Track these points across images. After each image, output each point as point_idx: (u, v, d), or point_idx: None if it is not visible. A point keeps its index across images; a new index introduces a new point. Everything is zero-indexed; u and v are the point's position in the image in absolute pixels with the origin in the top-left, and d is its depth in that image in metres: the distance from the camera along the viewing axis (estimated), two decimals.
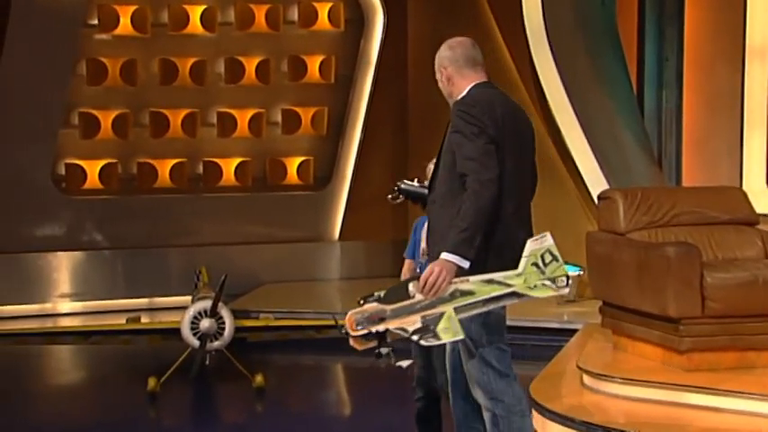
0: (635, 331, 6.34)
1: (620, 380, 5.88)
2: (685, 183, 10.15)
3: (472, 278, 4.25)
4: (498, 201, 4.36)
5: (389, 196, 5.22)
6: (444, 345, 4.66)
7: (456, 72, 4.66)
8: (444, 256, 4.23)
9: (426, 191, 4.78)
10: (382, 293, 4.35)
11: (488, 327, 4.50)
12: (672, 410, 5.56)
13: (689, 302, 5.89)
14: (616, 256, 6.40)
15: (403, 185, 5.20)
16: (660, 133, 10.32)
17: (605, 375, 5.97)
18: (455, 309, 4.26)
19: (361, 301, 4.35)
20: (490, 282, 4.29)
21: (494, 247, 4.40)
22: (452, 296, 4.25)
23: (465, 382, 4.60)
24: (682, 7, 10.22)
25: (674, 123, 10.29)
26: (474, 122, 4.38)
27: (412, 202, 5.24)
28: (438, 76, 4.71)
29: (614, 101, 10.01)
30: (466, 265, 4.23)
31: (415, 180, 5.23)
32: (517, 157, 4.50)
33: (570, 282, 4.42)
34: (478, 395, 4.54)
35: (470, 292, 4.27)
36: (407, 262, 5.40)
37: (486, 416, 4.57)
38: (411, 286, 4.30)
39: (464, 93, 4.58)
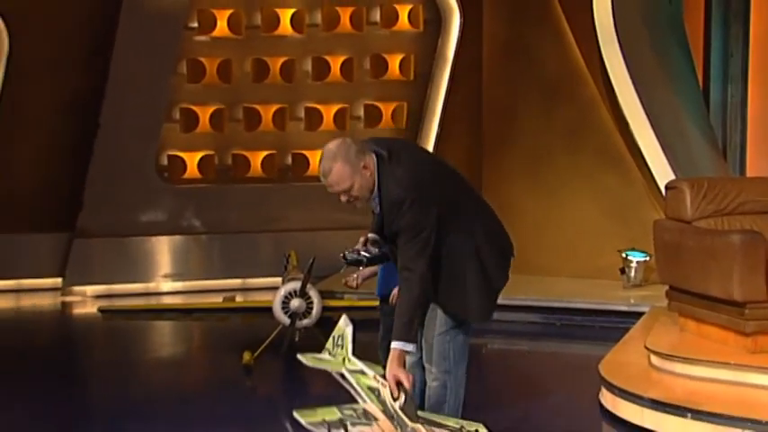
0: (701, 314, 6.28)
1: (685, 360, 5.82)
2: (749, 173, 10.00)
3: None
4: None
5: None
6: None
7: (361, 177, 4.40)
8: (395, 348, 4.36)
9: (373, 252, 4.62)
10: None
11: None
12: (736, 390, 5.52)
13: (754, 287, 5.83)
14: (683, 243, 6.35)
15: (358, 255, 4.65)
16: (725, 126, 10.18)
17: (672, 356, 5.92)
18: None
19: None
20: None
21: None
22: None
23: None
24: (748, 5, 10.07)
25: (738, 116, 10.15)
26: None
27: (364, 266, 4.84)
28: (357, 180, 4.37)
29: (680, 95, 9.87)
30: (411, 348, 4.40)
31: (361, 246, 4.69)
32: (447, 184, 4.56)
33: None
34: (435, 366, 4.58)
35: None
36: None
37: (435, 385, 4.60)
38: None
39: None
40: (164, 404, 6.44)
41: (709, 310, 6.16)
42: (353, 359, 4.55)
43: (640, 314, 7.79)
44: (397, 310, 4.42)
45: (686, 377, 5.74)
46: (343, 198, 4.42)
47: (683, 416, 5.23)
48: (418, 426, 4.25)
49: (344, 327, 4.63)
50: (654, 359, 6.02)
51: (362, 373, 4.49)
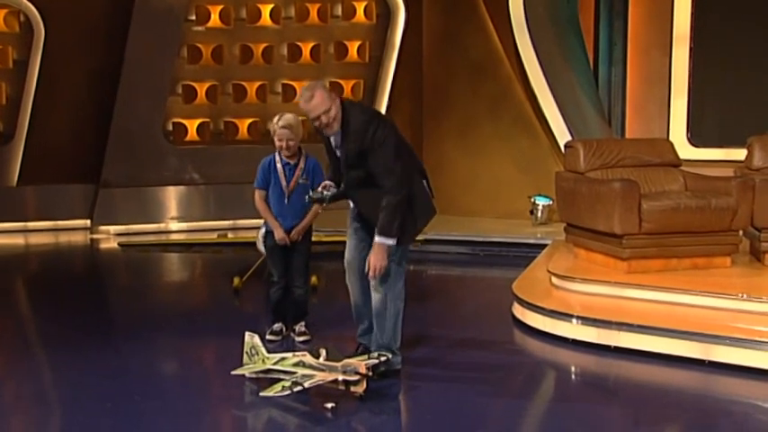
0: (590, 245, 6.36)
1: (578, 280, 5.90)
2: (628, 136, 10.08)
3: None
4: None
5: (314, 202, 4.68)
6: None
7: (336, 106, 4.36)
8: (378, 243, 4.33)
9: (332, 191, 4.56)
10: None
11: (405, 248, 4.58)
12: (616, 301, 5.60)
13: (630, 223, 5.90)
14: (577, 190, 6.39)
15: (321, 195, 4.58)
16: (610, 99, 10.24)
17: (568, 276, 5.99)
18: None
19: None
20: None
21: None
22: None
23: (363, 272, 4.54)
24: (626, 4, 10.11)
25: (620, 92, 10.22)
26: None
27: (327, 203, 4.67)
28: (333, 105, 4.31)
29: (576, 75, 9.91)
30: (391, 242, 4.33)
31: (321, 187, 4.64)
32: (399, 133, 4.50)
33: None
34: (378, 281, 4.49)
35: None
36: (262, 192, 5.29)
37: (377, 297, 4.57)
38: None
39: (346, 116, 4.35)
40: (170, 317, 6.44)
41: (596, 241, 6.23)
42: (270, 355, 4.54)
43: (544, 246, 7.87)
44: (384, 211, 4.30)
45: (578, 293, 5.81)
46: (324, 119, 4.34)
47: (576, 322, 5.33)
48: (347, 360, 4.28)
49: (250, 339, 4.62)
50: (554, 279, 6.09)
51: (283, 359, 4.46)
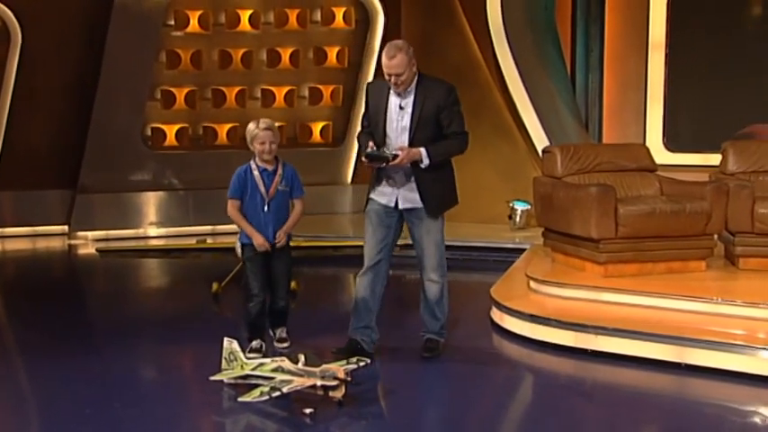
0: (567, 249, 6.39)
1: (556, 284, 5.94)
2: (605, 141, 10.15)
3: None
4: None
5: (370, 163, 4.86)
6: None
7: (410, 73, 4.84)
8: (422, 150, 4.80)
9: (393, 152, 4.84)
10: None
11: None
12: (593, 305, 5.64)
13: (606, 227, 5.94)
14: (555, 194, 6.42)
15: (381, 153, 4.84)
16: (587, 104, 10.31)
17: (545, 281, 6.02)
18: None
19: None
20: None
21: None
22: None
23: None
24: (602, 11, 10.19)
25: (597, 98, 10.29)
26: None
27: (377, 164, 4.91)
28: (408, 71, 4.76)
29: (554, 81, 9.97)
30: (426, 162, 4.83)
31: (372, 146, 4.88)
32: None
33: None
34: (438, 272, 4.98)
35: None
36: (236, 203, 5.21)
37: (437, 288, 4.95)
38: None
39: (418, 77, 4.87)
40: (149, 323, 6.41)
41: (573, 245, 6.27)
42: (248, 361, 4.52)
43: (522, 250, 7.91)
44: (446, 145, 4.88)
45: (556, 297, 5.84)
46: (394, 79, 4.76)
47: (553, 326, 5.34)
48: (326, 366, 4.25)
49: (229, 345, 4.59)
50: (532, 284, 6.12)
51: (261, 364, 4.44)
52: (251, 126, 5.18)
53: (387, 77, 4.77)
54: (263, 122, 5.17)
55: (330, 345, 5.10)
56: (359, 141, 5.07)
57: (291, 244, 5.39)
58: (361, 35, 11.09)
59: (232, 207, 5.20)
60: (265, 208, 5.16)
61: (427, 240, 4.93)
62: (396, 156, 4.74)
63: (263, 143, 5.10)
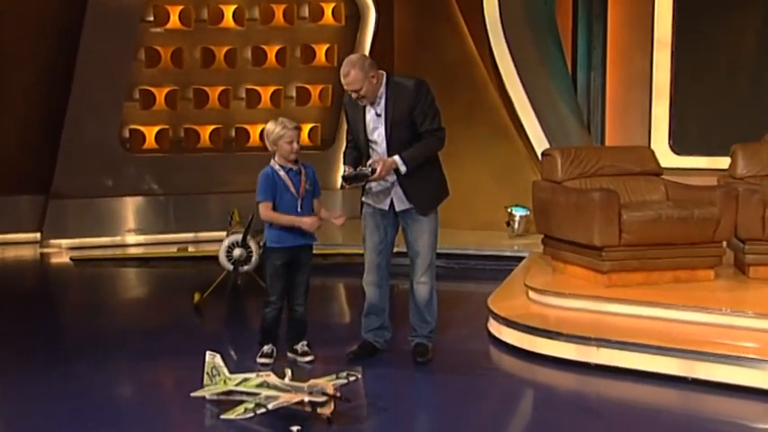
0: (568, 257, 6.41)
1: (556, 294, 5.94)
2: (608, 143, 10.17)
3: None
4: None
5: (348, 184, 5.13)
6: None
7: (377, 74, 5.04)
8: (396, 158, 4.99)
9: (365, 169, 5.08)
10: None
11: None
12: (594, 316, 5.64)
13: (609, 235, 5.96)
14: (555, 200, 6.44)
15: (353, 174, 5.10)
16: (589, 105, 10.34)
17: (545, 290, 6.03)
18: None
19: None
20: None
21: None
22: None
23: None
24: (605, 7, 10.22)
25: (599, 98, 10.32)
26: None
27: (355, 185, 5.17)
28: (366, 84, 4.94)
29: (554, 80, 9.99)
30: (403, 169, 5.01)
31: (348, 169, 5.20)
32: None
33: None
34: (428, 274, 5.22)
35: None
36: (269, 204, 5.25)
37: (426, 289, 5.24)
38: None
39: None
40: (126, 337, 6.39)
41: (574, 253, 6.28)
42: (232, 376, 4.52)
43: (521, 258, 7.91)
44: (420, 147, 5.02)
45: (557, 307, 5.85)
46: (354, 95, 4.98)
47: (554, 338, 5.35)
48: (314, 381, 4.29)
49: (212, 359, 4.60)
50: (531, 294, 6.13)
51: (245, 379, 4.45)
52: (275, 127, 5.24)
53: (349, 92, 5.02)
54: (289, 121, 5.29)
55: (333, 355, 5.16)
56: (344, 161, 5.38)
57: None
58: (351, 32, 11.09)
59: (266, 209, 5.27)
60: (299, 208, 5.26)
61: (421, 242, 5.18)
62: (375, 170, 4.96)
63: (290, 142, 5.24)
